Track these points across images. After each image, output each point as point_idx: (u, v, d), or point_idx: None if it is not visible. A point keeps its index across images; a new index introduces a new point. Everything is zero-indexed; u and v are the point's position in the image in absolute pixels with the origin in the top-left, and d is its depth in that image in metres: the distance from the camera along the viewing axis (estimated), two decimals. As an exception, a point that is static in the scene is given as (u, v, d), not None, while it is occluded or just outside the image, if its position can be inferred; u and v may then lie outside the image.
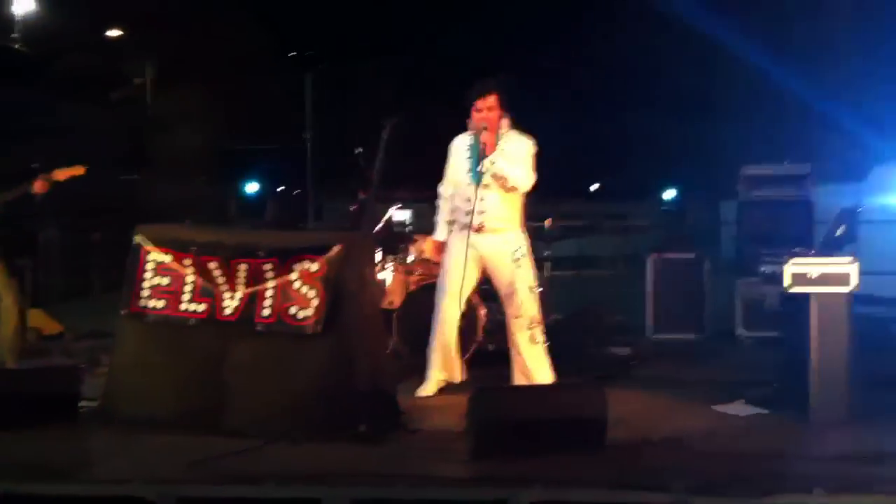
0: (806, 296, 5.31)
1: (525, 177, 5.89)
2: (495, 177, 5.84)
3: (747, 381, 6.39)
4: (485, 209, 5.90)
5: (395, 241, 7.57)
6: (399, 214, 7.75)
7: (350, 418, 4.78)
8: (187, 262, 5.25)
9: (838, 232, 5.49)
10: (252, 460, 4.48)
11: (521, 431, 4.52)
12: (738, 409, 5.68)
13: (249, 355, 5.07)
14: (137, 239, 5.43)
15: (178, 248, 5.29)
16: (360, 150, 6.46)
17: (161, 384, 5.20)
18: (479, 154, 5.92)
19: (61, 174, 6.52)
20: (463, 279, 5.97)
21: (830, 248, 5.52)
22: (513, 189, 5.89)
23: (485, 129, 5.88)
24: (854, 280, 5.28)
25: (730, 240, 10.21)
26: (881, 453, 4.50)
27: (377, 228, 7.31)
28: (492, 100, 5.92)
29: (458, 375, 6.25)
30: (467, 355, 7.03)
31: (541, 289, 6.15)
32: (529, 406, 4.68)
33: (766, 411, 5.58)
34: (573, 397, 4.80)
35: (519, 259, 5.96)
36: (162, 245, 5.34)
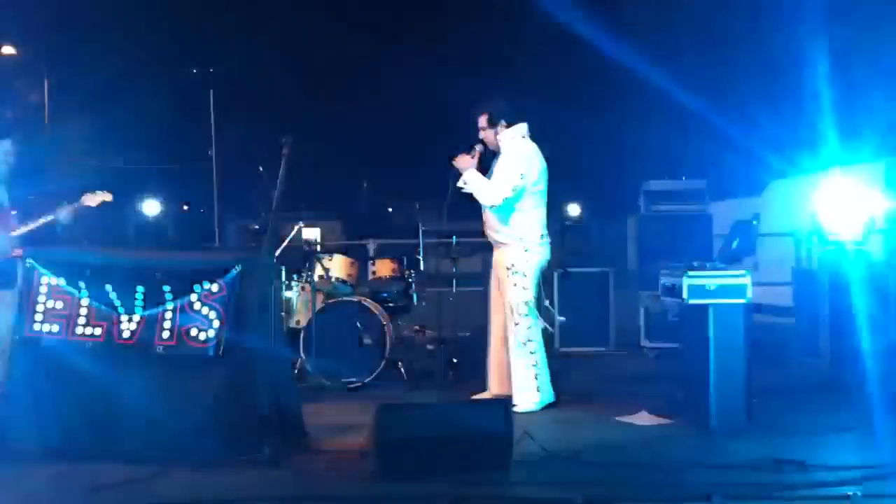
0: (705, 307, 5.43)
1: (490, 193, 6.10)
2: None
3: (650, 392, 6.51)
4: (485, 223, 6.27)
5: (302, 259, 7.50)
6: (308, 232, 7.68)
7: (253, 441, 4.69)
8: (82, 284, 5.09)
9: (734, 244, 5.63)
10: (151, 487, 4.36)
11: (426, 449, 4.50)
12: (641, 419, 5.77)
13: (148, 379, 4.94)
14: (29, 262, 5.24)
15: (72, 271, 5.13)
16: (262, 168, 6.39)
17: (56, 410, 5.02)
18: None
19: (91, 200, 6.36)
20: (493, 295, 6.36)
21: (728, 260, 5.66)
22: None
23: (473, 150, 6.22)
24: (749, 291, 5.42)
25: (635, 254, 10.40)
26: (779, 460, 4.60)
27: (282, 247, 7.22)
28: (482, 120, 6.25)
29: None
30: (375, 373, 7.01)
31: (548, 304, 6.44)
32: (434, 424, 4.65)
33: (668, 421, 5.69)
34: (478, 414, 4.79)
35: (512, 275, 6.11)
36: (55, 268, 5.17)
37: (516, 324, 6.08)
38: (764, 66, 20.96)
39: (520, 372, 6.10)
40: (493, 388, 6.33)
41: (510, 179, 6.08)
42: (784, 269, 9.35)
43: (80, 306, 5.09)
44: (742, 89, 22.20)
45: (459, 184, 6.17)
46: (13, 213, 6.43)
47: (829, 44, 18.09)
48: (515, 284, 6.09)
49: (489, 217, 6.22)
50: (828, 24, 18.17)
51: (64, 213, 6.35)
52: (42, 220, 6.35)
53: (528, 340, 6.09)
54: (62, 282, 5.14)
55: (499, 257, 6.23)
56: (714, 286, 5.41)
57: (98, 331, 5.04)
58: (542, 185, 6.22)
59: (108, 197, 6.47)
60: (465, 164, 6.19)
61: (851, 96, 17.25)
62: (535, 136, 6.26)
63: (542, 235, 6.19)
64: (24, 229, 6.34)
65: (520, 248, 6.13)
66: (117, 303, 5.03)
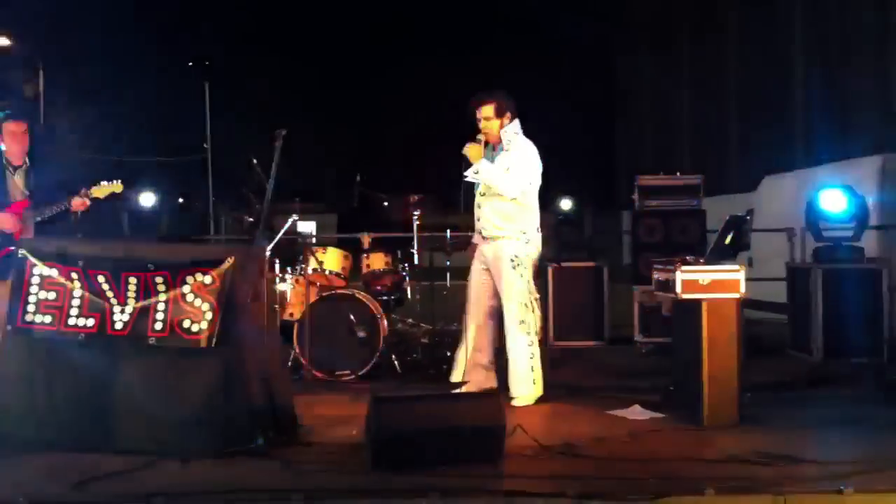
0: (698, 302, 5.43)
1: (510, 184, 6.00)
2: (485, 184, 6.07)
3: (643, 386, 6.52)
4: (481, 216, 6.15)
5: (296, 252, 7.49)
6: (303, 225, 7.67)
7: (245, 433, 4.69)
8: (75, 275, 5.07)
9: (727, 240, 5.63)
10: (141, 479, 4.35)
11: (419, 442, 4.51)
12: (634, 413, 5.78)
13: (141, 370, 4.93)
14: (22, 252, 5.23)
15: (64, 262, 5.11)
16: (255, 160, 6.38)
17: (48, 401, 5.02)
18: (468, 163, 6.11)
19: (100, 192, 6.34)
20: (475, 289, 6.24)
21: (721, 255, 5.66)
22: (501, 195, 6.03)
23: (478, 140, 6.04)
24: (743, 286, 5.43)
25: (629, 248, 10.40)
26: (769, 454, 4.63)
27: (275, 239, 7.21)
28: (488, 109, 6.08)
29: (488, 382, 6.26)
30: (368, 366, 7.01)
31: (537, 296, 6.24)
32: (427, 416, 4.65)
33: (660, 415, 5.69)
34: (471, 406, 4.79)
35: (516, 267, 6.04)
36: (48, 258, 5.15)
37: (522, 320, 6.06)
38: (757, 60, 20.96)
39: (523, 365, 6.08)
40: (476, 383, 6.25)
41: (527, 174, 6.06)
42: (778, 265, 9.36)
43: (72, 297, 5.08)
44: (735, 84, 22.22)
45: (470, 172, 6.06)
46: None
47: (823, 35, 18.13)
48: (521, 276, 6.06)
49: (493, 210, 6.11)
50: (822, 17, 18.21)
51: (76, 204, 6.34)
52: (52, 209, 6.33)
53: (530, 333, 6.09)
54: (55, 272, 5.13)
55: (496, 251, 6.12)
56: (707, 281, 5.42)
57: (91, 322, 5.03)
58: (540, 181, 6.22)
59: (118, 188, 6.45)
60: (478, 153, 6.06)
61: (847, 90, 17.27)
62: (529, 130, 6.26)
63: (537, 228, 6.19)
64: (38, 217, 6.33)
65: (522, 240, 6.10)
66: (110, 294, 5.02)
